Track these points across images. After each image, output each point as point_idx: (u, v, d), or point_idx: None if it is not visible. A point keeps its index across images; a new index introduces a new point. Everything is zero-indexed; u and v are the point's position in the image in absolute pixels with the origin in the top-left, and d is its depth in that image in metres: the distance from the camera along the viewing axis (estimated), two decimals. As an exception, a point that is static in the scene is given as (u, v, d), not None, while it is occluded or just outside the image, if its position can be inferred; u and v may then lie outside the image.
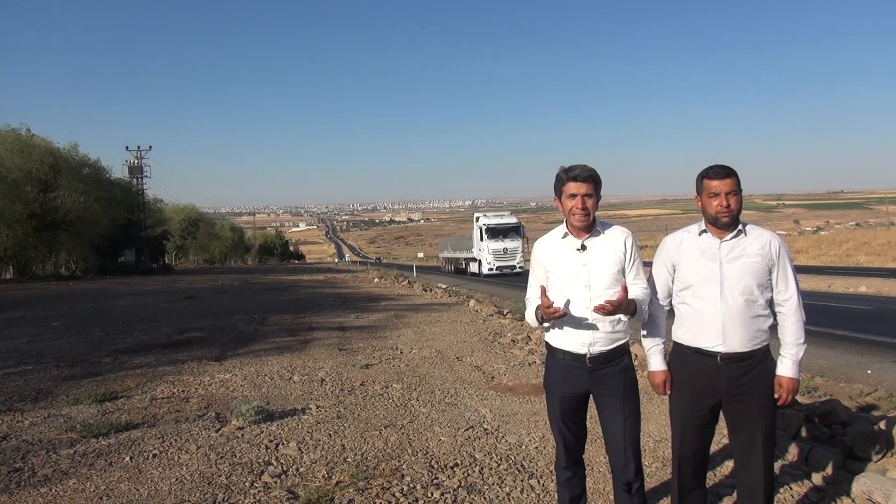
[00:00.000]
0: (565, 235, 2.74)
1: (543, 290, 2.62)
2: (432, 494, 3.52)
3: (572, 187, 2.63)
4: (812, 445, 3.99)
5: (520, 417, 5.06)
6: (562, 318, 2.58)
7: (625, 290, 2.54)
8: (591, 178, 2.64)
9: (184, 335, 9.97)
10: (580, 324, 2.65)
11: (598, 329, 2.64)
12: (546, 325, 2.74)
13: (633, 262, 2.70)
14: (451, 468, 3.92)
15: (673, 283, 2.77)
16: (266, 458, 4.08)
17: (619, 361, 2.69)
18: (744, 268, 2.61)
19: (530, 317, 2.77)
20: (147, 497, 3.49)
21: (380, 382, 6.36)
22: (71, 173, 37.77)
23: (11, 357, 8.02)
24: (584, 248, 2.68)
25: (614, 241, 2.70)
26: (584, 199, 2.62)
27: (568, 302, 2.65)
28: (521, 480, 3.73)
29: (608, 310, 2.50)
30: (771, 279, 2.63)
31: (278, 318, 12.51)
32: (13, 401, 5.68)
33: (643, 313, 2.67)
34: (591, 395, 2.74)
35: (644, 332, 2.83)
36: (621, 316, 2.65)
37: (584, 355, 2.66)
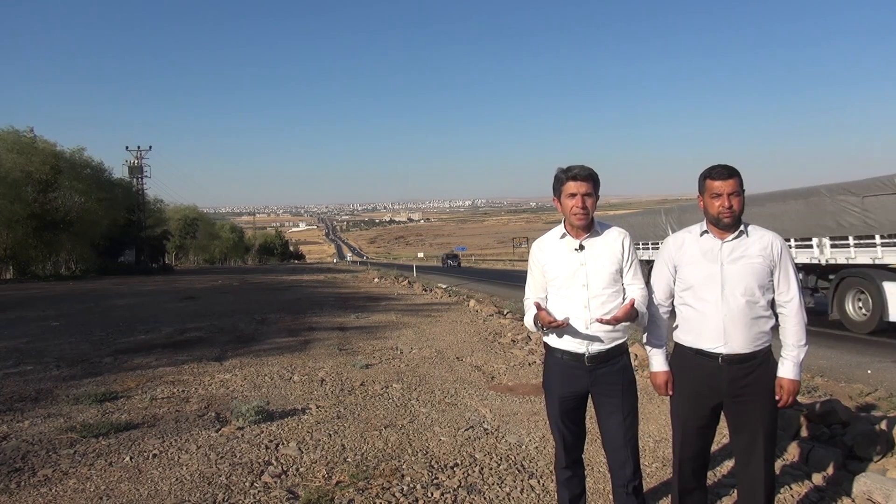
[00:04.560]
0: (563, 235, 2.75)
1: (538, 306, 2.64)
2: (432, 494, 3.52)
3: (571, 186, 2.64)
4: (812, 445, 3.99)
5: (520, 417, 5.06)
6: (562, 328, 2.60)
7: (632, 304, 2.57)
8: (590, 178, 2.65)
9: (184, 335, 9.97)
10: (578, 324, 2.66)
11: (596, 329, 2.64)
12: (546, 330, 2.74)
13: (631, 263, 2.71)
14: (451, 468, 3.92)
15: (674, 283, 2.77)
16: (266, 458, 4.08)
17: (617, 361, 2.70)
18: (745, 269, 2.60)
19: (529, 322, 2.77)
20: (147, 497, 3.49)
21: (380, 382, 6.36)
22: (71, 174, 37.81)
23: (11, 357, 8.02)
24: (581, 247, 2.69)
25: (612, 242, 2.71)
26: (583, 198, 2.63)
27: (567, 305, 2.67)
28: (521, 480, 3.73)
29: (612, 323, 2.54)
30: (772, 280, 2.63)
31: (278, 318, 12.50)
32: (13, 401, 5.68)
33: (643, 317, 2.69)
34: (589, 395, 2.75)
35: (645, 333, 2.83)
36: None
37: (583, 354, 2.66)
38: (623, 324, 2.69)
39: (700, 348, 2.67)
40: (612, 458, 2.73)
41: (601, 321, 2.54)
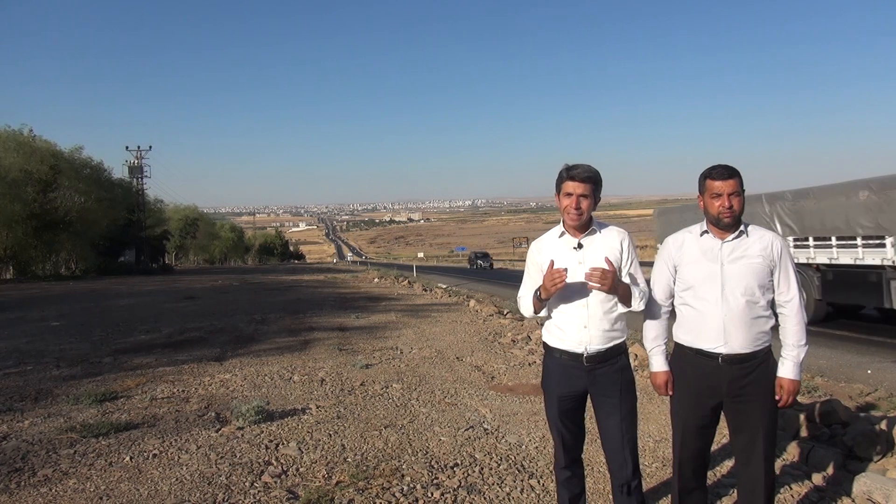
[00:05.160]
0: (562, 234, 2.76)
1: (552, 263, 2.59)
2: (432, 494, 3.52)
3: (570, 186, 2.65)
4: (812, 445, 3.99)
5: (520, 417, 5.06)
6: (562, 287, 2.54)
7: (609, 262, 2.55)
8: (590, 180, 2.64)
9: (184, 335, 9.97)
10: (577, 321, 2.66)
11: (594, 326, 2.65)
12: (542, 314, 2.72)
13: (631, 262, 2.72)
14: (451, 468, 3.92)
15: (674, 283, 2.77)
16: (266, 458, 4.08)
17: (616, 361, 2.70)
18: (745, 269, 2.60)
19: (527, 306, 2.75)
20: (147, 497, 3.49)
21: (380, 382, 6.36)
22: (71, 173, 37.83)
23: (11, 357, 8.02)
24: (580, 246, 2.69)
25: (611, 241, 2.71)
26: (579, 199, 2.63)
27: (565, 304, 2.66)
28: (521, 480, 3.73)
29: (599, 277, 2.49)
30: (772, 280, 2.63)
31: (278, 318, 12.50)
32: (13, 401, 5.68)
33: (640, 301, 2.67)
34: (588, 395, 2.75)
35: (645, 333, 2.83)
36: (619, 309, 2.66)
37: (581, 354, 2.66)
38: (621, 323, 2.69)
39: (700, 348, 2.67)
40: (611, 458, 2.73)
41: (591, 274, 2.50)
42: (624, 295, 2.62)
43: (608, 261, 2.57)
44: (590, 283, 2.54)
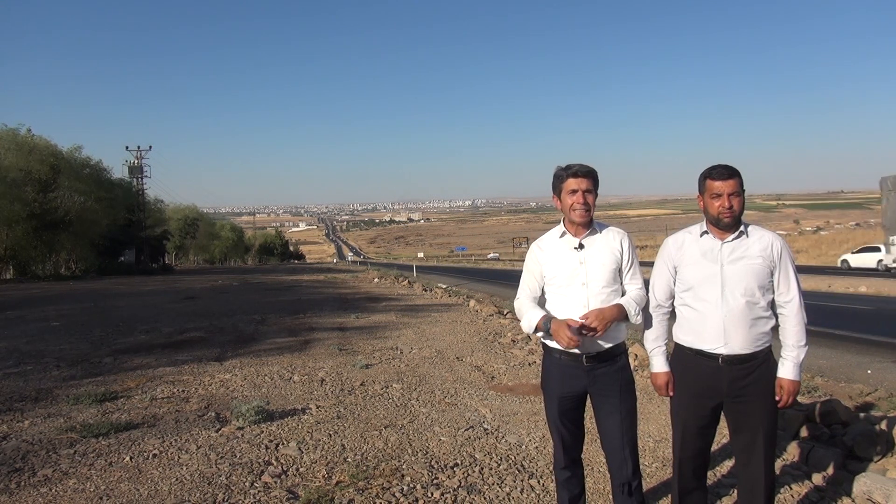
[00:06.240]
0: (563, 234, 2.76)
1: (574, 321, 2.60)
2: (432, 494, 3.52)
3: (572, 183, 2.65)
4: (812, 445, 3.99)
5: (520, 417, 5.06)
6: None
7: (592, 310, 2.60)
8: (590, 174, 2.66)
9: (184, 335, 9.97)
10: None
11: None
12: (540, 334, 2.72)
13: (631, 263, 2.73)
14: (451, 468, 3.92)
15: (674, 284, 2.77)
16: (266, 458, 4.08)
17: (615, 360, 2.70)
18: (745, 269, 2.60)
19: (528, 324, 2.71)
20: (147, 497, 3.49)
21: (380, 382, 6.36)
22: (71, 173, 37.79)
23: (11, 357, 8.01)
24: (581, 246, 2.69)
25: (611, 241, 2.72)
26: (584, 194, 2.64)
27: (566, 304, 2.68)
28: (521, 480, 3.73)
29: (589, 329, 2.54)
30: (773, 281, 2.63)
31: (278, 318, 12.50)
32: (13, 401, 5.68)
33: (637, 314, 2.67)
34: (588, 395, 2.75)
35: (646, 334, 2.84)
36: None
37: (581, 354, 2.67)
38: (620, 324, 2.70)
39: (700, 349, 2.67)
40: (610, 458, 2.73)
41: (589, 331, 2.55)
42: (620, 317, 2.63)
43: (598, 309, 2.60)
44: (587, 328, 2.55)
